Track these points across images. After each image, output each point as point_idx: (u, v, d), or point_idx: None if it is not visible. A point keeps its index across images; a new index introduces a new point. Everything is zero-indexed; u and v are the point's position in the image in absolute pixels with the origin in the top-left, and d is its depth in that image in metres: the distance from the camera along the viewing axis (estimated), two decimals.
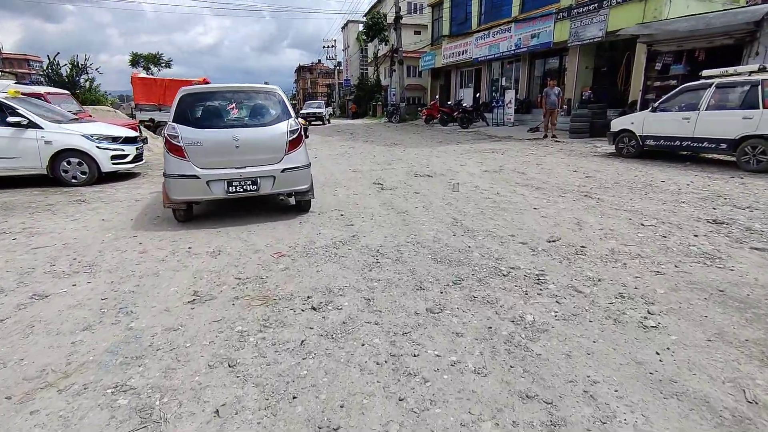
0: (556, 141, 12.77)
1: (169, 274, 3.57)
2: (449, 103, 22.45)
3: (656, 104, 8.42)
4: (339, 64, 61.60)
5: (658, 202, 5.43)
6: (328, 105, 56.36)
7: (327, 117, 32.51)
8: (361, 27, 44.40)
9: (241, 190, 4.77)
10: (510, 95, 18.51)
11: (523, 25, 18.04)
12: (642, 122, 8.62)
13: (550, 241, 4.14)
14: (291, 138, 4.88)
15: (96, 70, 23.89)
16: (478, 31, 21.43)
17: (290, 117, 4.99)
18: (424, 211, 5.38)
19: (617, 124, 9.30)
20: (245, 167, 4.74)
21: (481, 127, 19.26)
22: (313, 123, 30.24)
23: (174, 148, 4.56)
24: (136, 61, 33.96)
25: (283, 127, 4.87)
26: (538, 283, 3.21)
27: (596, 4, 14.31)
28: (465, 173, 7.96)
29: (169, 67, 36.64)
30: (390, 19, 35.87)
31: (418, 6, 41.60)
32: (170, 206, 4.82)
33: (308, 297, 3.07)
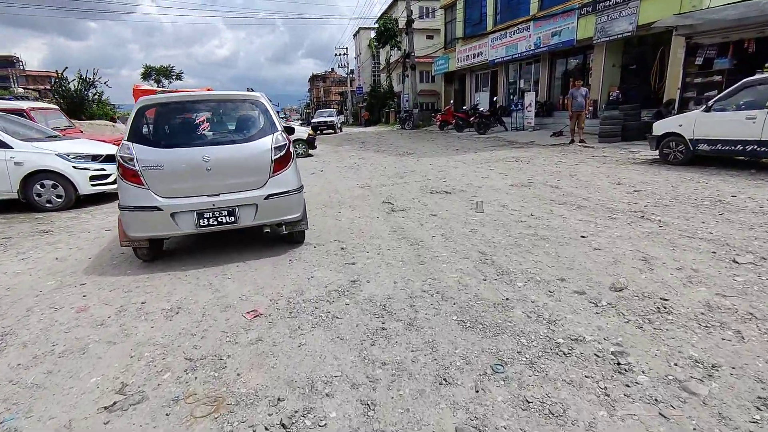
0: (585, 146, 11.61)
1: (101, 348, 2.63)
2: (464, 108, 21.42)
3: (710, 103, 7.25)
4: (351, 72, 61.16)
5: (742, 227, 4.30)
6: (340, 113, 55.93)
7: (339, 125, 31.77)
8: (372, 33, 43.82)
9: (215, 223, 3.83)
10: (530, 98, 17.37)
11: (543, 23, 16.94)
12: (693, 124, 7.45)
13: (615, 290, 3.08)
14: (277, 156, 3.94)
15: (104, 83, 23.65)
16: (494, 32, 20.40)
17: (276, 130, 4.04)
18: (443, 242, 4.36)
19: (661, 126, 8.13)
20: (219, 194, 3.81)
21: (500, 132, 18.16)
22: (324, 132, 29.55)
23: (129, 174, 3.65)
24: (148, 73, 33.93)
25: (267, 143, 3.93)
26: (619, 371, 2.16)
27: None
28: (488, 188, 6.91)
29: (180, 80, 36.54)
30: (402, 23, 35.14)
31: (430, 10, 40.77)
32: (128, 244, 3.90)
33: (279, 399, 2.08)
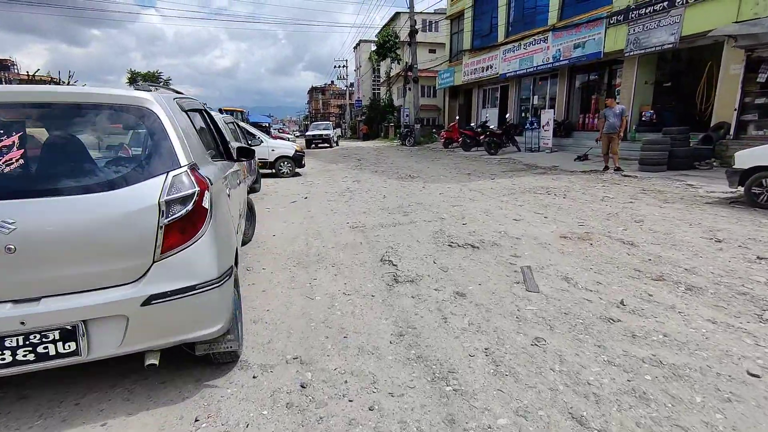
0: (625, 175, 9.71)
1: None
2: (472, 125, 19.62)
3: None
4: (351, 85, 59.80)
5: None
6: (338, 126, 54.40)
7: (335, 139, 29.96)
8: (373, 46, 42.45)
9: (30, 357, 1.83)
10: (548, 116, 15.58)
11: (564, 33, 15.23)
12: None
13: None
14: (171, 218, 1.96)
15: (83, 87, 21.83)
16: (506, 44, 18.71)
17: (177, 165, 2.05)
18: (492, 376, 2.36)
19: (748, 158, 6.22)
20: (40, 299, 1.82)
21: (512, 153, 16.30)
22: (319, 146, 27.77)
23: None
24: (133, 79, 32.08)
25: (151, 192, 1.94)
26: None
27: (665, 3, 11.40)
28: (530, 240, 4.93)
29: (167, 86, 34.56)
30: (404, 36, 33.69)
31: (433, 23, 39.56)
32: None
33: None
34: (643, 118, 13.19)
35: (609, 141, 10.27)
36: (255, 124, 25.44)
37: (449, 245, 4.79)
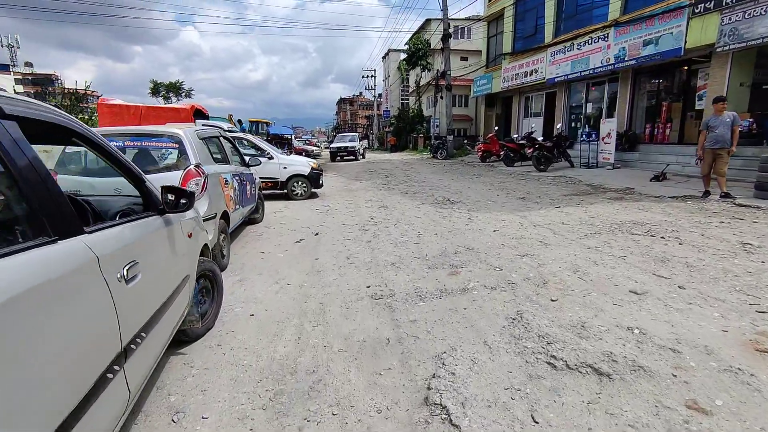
0: (738, 204, 7.30)
1: None
2: (514, 136, 17.34)
3: None
4: (379, 95, 58.45)
5: None
6: (365, 137, 52.94)
7: (361, 151, 28.19)
8: (402, 55, 40.83)
9: None
10: (609, 126, 13.19)
11: (630, 29, 12.87)
12: None
13: None
14: None
15: (98, 98, 20.94)
16: (555, 44, 16.44)
17: None
18: None
19: None
20: None
21: (564, 168, 13.99)
22: (345, 158, 26.10)
23: None
24: (156, 90, 31.39)
25: None
26: None
27: None
28: (699, 355, 2.74)
29: (190, 97, 33.87)
30: (434, 43, 31.89)
31: (466, 30, 37.51)
32: None
33: None
34: (740, 128, 10.64)
35: (714, 159, 7.87)
36: (276, 136, 23.97)
37: (549, 363, 2.65)
